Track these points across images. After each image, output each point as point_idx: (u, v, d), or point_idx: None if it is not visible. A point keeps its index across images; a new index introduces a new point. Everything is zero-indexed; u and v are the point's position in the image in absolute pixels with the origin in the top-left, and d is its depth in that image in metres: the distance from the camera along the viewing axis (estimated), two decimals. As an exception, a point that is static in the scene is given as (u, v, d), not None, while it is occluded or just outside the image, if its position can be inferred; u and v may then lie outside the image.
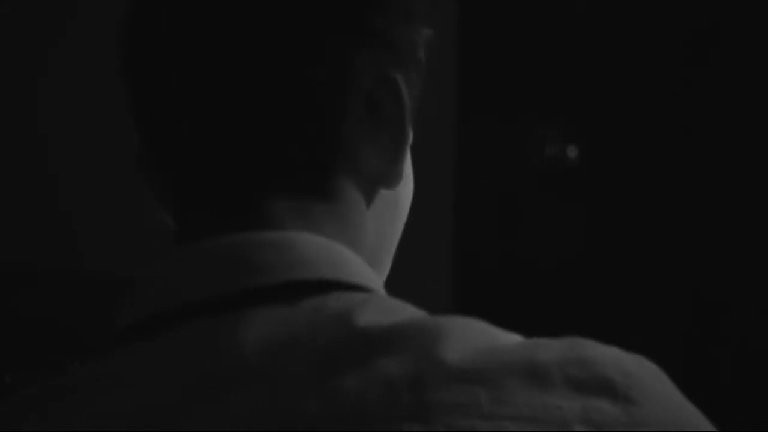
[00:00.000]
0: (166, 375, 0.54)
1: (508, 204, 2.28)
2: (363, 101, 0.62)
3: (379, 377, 0.51)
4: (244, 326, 0.54)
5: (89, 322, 1.67)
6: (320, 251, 0.58)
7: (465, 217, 2.30)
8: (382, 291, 0.62)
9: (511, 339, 0.55)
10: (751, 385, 2.14)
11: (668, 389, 0.54)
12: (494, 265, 2.23)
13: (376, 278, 0.62)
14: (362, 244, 0.64)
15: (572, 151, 2.27)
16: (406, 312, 0.56)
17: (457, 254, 2.29)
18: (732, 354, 2.18)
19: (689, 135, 2.22)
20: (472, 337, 0.53)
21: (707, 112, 2.20)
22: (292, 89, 0.60)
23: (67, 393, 0.56)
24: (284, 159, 0.61)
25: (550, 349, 0.53)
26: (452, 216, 2.30)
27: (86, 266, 2.20)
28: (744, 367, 2.16)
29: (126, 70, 0.65)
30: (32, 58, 2.25)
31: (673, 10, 2.20)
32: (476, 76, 2.28)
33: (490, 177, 2.27)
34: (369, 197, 0.65)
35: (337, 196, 0.62)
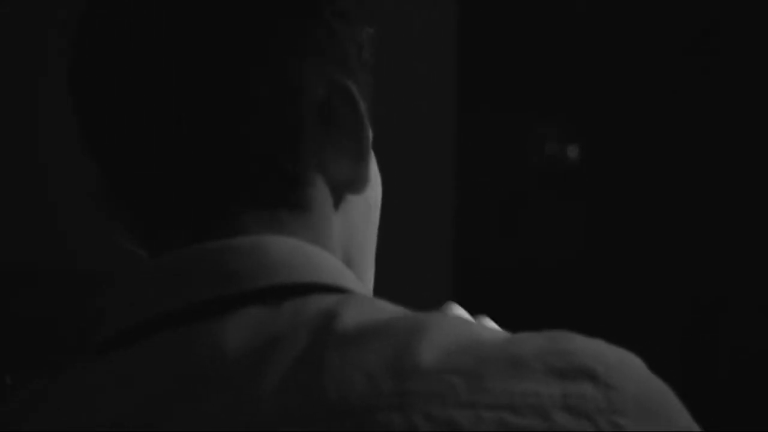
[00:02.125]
0: (148, 379, 0.54)
1: (508, 203, 2.28)
2: (317, 111, 0.62)
3: (359, 371, 0.51)
4: (225, 330, 0.54)
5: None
6: (295, 254, 0.59)
7: (465, 216, 2.29)
8: (363, 292, 0.62)
9: (492, 335, 0.55)
10: (750, 383, 2.14)
11: (652, 383, 0.54)
12: (494, 265, 2.23)
13: (355, 280, 0.62)
14: (334, 251, 0.64)
15: (572, 151, 2.27)
16: (386, 311, 0.56)
17: (458, 253, 2.29)
18: (731, 352, 2.18)
19: (689, 134, 2.22)
20: (452, 333, 0.53)
21: (707, 112, 2.20)
22: (242, 106, 0.61)
23: (55, 397, 0.56)
24: (248, 173, 0.61)
25: (531, 342, 0.54)
26: (452, 215, 2.30)
27: (86, 266, 2.20)
28: (743, 365, 2.16)
29: (76, 102, 0.65)
30: (32, 59, 2.25)
31: (674, 9, 2.19)
32: (476, 75, 2.28)
33: (490, 176, 2.27)
34: (337, 203, 0.65)
35: (305, 204, 0.63)
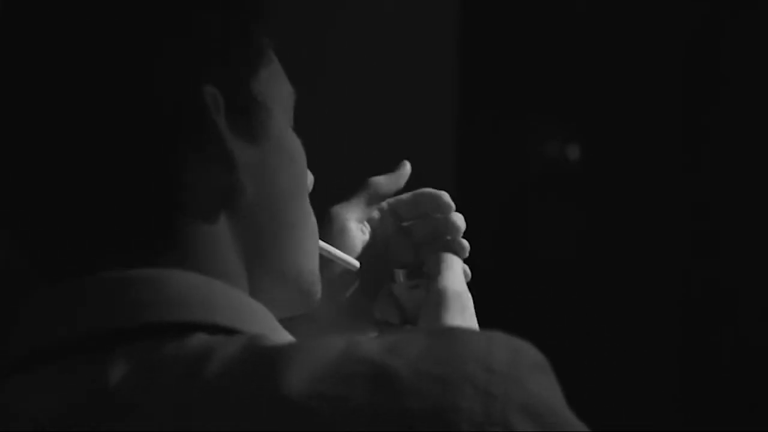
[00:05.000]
0: (37, 407, 0.56)
1: (508, 204, 2.28)
2: (174, 122, 0.60)
3: (225, 408, 0.51)
4: (112, 365, 0.55)
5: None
6: (193, 290, 0.59)
7: (465, 217, 2.29)
8: (267, 326, 0.61)
9: (373, 346, 0.53)
10: (752, 383, 2.14)
11: (539, 389, 0.51)
12: (495, 265, 2.23)
13: (257, 314, 0.61)
14: (227, 261, 0.63)
15: (573, 152, 2.27)
16: (261, 347, 0.55)
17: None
18: (732, 353, 2.18)
19: (690, 135, 2.22)
20: (321, 356, 0.52)
21: (708, 111, 2.20)
22: (103, 131, 0.60)
23: None
24: (121, 199, 0.61)
25: (410, 348, 0.52)
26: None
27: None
28: (745, 366, 2.16)
29: None
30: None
31: (674, 9, 2.19)
32: (477, 76, 2.28)
33: (491, 178, 2.27)
34: (217, 212, 0.63)
35: (178, 227, 0.61)
